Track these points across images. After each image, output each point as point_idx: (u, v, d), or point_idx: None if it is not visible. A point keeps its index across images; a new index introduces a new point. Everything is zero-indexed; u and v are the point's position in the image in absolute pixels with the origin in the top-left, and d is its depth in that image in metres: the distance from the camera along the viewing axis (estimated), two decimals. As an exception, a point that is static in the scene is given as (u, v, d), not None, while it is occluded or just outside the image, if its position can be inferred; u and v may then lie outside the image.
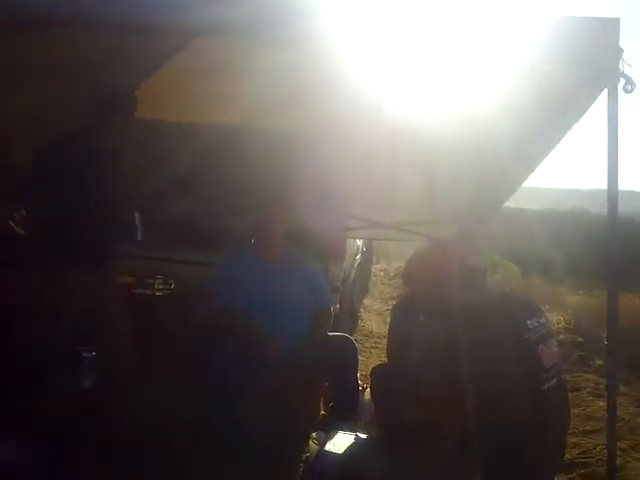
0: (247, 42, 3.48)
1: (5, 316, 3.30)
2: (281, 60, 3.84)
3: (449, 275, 3.82)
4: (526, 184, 4.89)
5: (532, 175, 4.64)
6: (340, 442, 3.67)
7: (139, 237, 4.47)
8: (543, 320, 3.39)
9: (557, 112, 3.79)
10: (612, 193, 3.21)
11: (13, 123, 4.45)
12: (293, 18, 3.03)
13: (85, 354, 3.47)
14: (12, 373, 3.06)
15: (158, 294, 8.51)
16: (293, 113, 4.87)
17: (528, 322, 3.23)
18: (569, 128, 3.95)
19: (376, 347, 8.35)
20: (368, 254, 11.31)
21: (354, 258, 8.98)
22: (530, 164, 4.49)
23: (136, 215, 4.54)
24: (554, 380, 3.18)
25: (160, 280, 8.62)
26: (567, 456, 4.44)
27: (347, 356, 4.80)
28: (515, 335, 3.19)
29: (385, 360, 5.01)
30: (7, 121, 4.39)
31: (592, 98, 3.51)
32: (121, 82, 4.39)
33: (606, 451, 3.58)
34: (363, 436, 3.82)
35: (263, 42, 3.39)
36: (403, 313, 4.52)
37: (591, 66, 3.20)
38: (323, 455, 3.57)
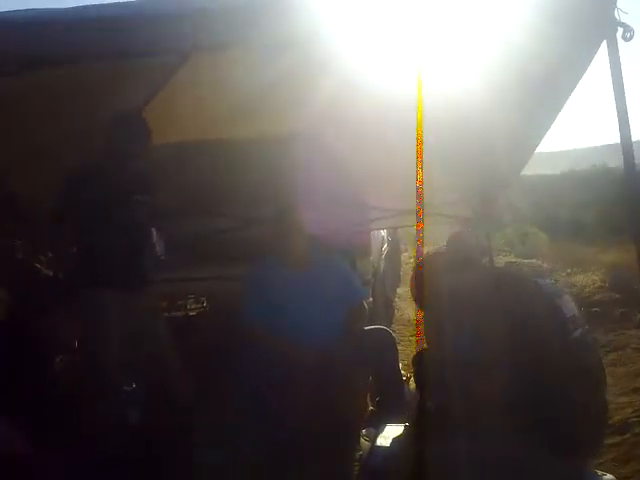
0: (248, 51, 3.46)
1: (50, 354, 3.30)
2: (283, 64, 3.83)
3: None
4: (543, 149, 4.85)
5: (545, 139, 4.60)
6: (391, 436, 3.64)
7: (159, 252, 4.47)
8: (550, 281, 3.45)
9: (560, 72, 3.75)
10: (626, 146, 3.16)
11: (27, 160, 4.47)
12: (289, 20, 3.02)
13: (126, 388, 3.45)
14: (55, 407, 3.05)
15: (191, 314, 8.53)
16: (300, 115, 4.86)
17: (539, 280, 3.26)
18: (574, 87, 3.91)
19: (415, 335, 8.31)
20: (395, 243, 11.27)
21: (381, 249, 8.96)
22: (540, 128, 4.45)
23: (153, 232, 4.53)
24: (579, 330, 3.17)
25: (192, 299, 8.65)
26: (619, 417, 4.39)
27: (386, 348, 4.76)
28: (534, 297, 3.20)
29: (425, 347, 4.98)
30: (20, 159, 4.42)
31: (592, 52, 3.47)
32: (128, 108, 4.40)
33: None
34: (411, 428, 3.79)
35: (263, 48, 3.37)
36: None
37: (586, 19, 3.16)
38: (375, 451, 3.55)
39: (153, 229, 4.66)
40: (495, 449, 2.94)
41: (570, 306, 3.26)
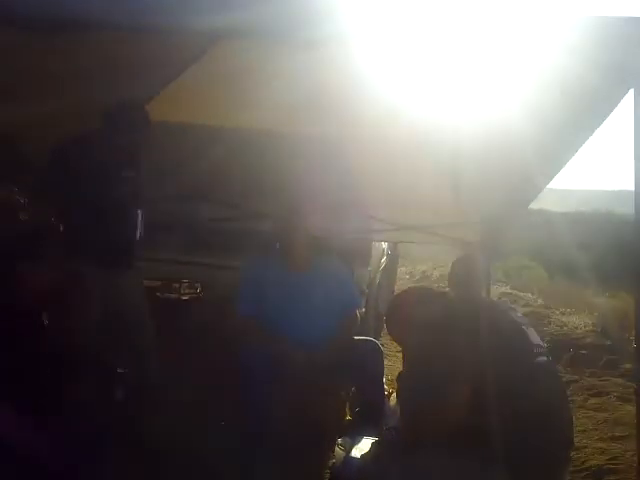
0: (269, 45, 3.46)
1: (30, 314, 3.26)
2: (303, 63, 3.83)
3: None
4: (551, 185, 4.85)
5: (557, 176, 4.61)
6: (365, 448, 3.64)
7: (137, 236, 4.48)
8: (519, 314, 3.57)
9: (581, 113, 3.75)
10: (638, 194, 3.16)
11: (30, 123, 4.47)
12: (316, 19, 3.02)
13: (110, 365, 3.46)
14: (39, 375, 3.03)
15: (184, 298, 8.54)
16: (315, 117, 4.87)
17: (512, 314, 3.34)
18: (594, 129, 3.90)
19: (402, 351, 8.31)
20: (393, 257, 11.26)
21: (379, 261, 8.95)
22: (555, 165, 4.45)
23: (139, 213, 4.54)
24: (544, 357, 3.24)
25: (186, 284, 8.66)
26: (595, 462, 4.40)
27: (373, 360, 4.77)
28: (504, 319, 3.29)
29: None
30: (24, 122, 4.41)
31: (617, 99, 3.47)
32: (147, 85, 4.42)
33: (636, 457, 3.53)
34: (388, 441, 3.79)
35: (285, 44, 3.37)
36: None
37: (616, 66, 3.16)
38: (348, 461, 3.55)
39: (139, 210, 4.64)
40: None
41: (535, 336, 3.36)
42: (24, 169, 5.02)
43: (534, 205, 5.84)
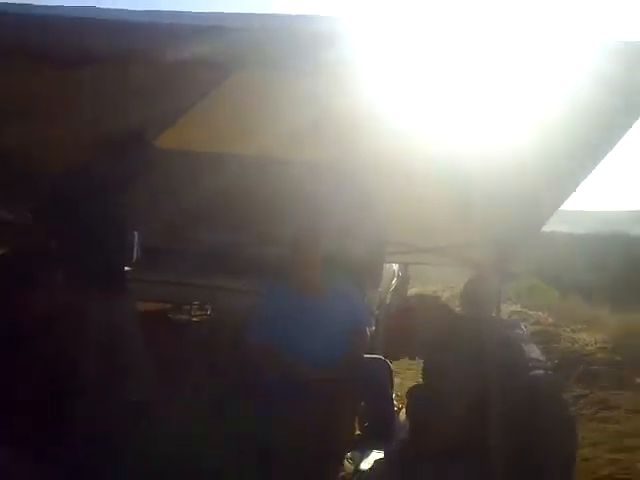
0: (274, 72, 3.52)
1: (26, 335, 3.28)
2: (310, 89, 3.88)
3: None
4: (563, 207, 4.88)
5: (570, 198, 4.63)
6: (375, 462, 3.68)
7: (134, 258, 4.53)
8: (521, 331, 3.58)
9: (596, 135, 3.77)
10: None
11: (34, 149, 4.55)
12: (321, 44, 3.07)
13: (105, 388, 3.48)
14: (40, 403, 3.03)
15: (195, 319, 8.59)
16: (324, 143, 4.92)
17: (515, 331, 3.38)
18: (609, 150, 3.93)
19: (411, 369, 8.35)
20: (404, 279, 11.28)
21: (390, 282, 8.99)
22: (568, 187, 4.47)
23: (135, 235, 4.60)
24: (542, 371, 3.28)
25: (196, 306, 8.71)
26: (606, 472, 4.41)
27: (382, 377, 4.81)
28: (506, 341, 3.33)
29: (420, 381, 5.03)
30: (28, 146, 4.49)
31: (633, 120, 3.51)
32: (162, 113, 4.49)
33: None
34: (398, 457, 3.82)
35: (290, 71, 3.43)
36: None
37: (632, 89, 3.19)
38: (358, 475, 3.58)
39: (135, 232, 4.71)
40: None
41: (536, 351, 3.40)
42: (26, 193, 5.11)
43: (546, 226, 5.87)
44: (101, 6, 3.14)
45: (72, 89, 3.78)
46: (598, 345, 9.79)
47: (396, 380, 5.37)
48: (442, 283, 17.79)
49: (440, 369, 4.19)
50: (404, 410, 4.92)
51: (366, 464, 3.67)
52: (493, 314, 4.78)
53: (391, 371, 4.99)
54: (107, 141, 4.51)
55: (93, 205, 4.41)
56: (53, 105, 4.04)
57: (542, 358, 3.50)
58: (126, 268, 5.13)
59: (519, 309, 13.40)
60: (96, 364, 4.30)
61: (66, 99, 3.96)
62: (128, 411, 4.22)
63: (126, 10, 3.24)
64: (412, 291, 15.34)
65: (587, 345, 9.94)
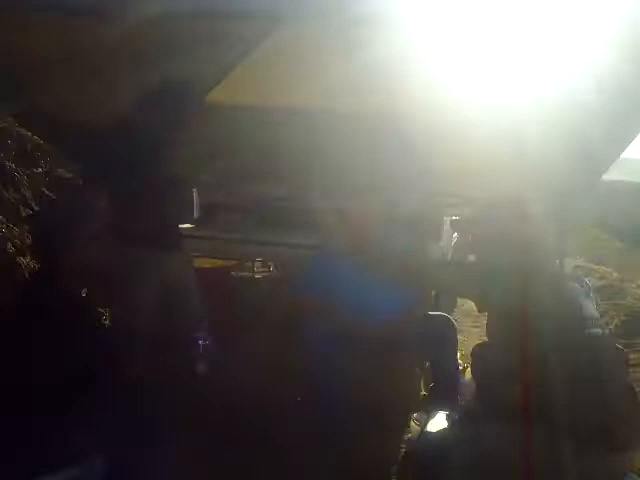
0: (319, 24, 3.46)
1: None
2: (362, 39, 3.81)
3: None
4: (626, 155, 4.77)
5: (631, 145, 4.53)
6: (441, 423, 3.64)
7: (195, 215, 4.51)
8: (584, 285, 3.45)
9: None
10: None
11: (81, 105, 4.54)
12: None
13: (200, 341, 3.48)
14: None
15: (257, 276, 8.63)
16: (375, 93, 4.84)
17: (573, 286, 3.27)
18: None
19: (476, 326, 8.28)
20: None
21: (451, 236, 8.90)
22: (629, 132, 4.37)
23: (194, 192, 4.58)
24: (599, 329, 3.18)
25: (259, 263, 8.75)
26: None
27: (446, 336, 4.76)
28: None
29: (485, 339, 4.96)
30: (75, 103, 4.49)
31: None
32: (211, 69, 4.45)
33: None
34: (464, 416, 3.78)
35: (335, 22, 3.37)
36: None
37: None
38: (424, 436, 3.55)
39: (194, 190, 4.68)
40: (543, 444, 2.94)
41: (592, 309, 3.28)
42: (77, 151, 5.13)
43: (609, 175, 5.73)
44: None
45: (117, 44, 3.76)
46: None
47: (460, 338, 5.29)
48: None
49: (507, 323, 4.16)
50: (469, 369, 4.87)
51: (433, 425, 3.63)
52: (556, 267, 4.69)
53: (455, 329, 4.93)
54: (156, 97, 4.48)
55: (144, 162, 4.40)
56: (102, 61, 4.01)
57: (599, 317, 3.41)
58: (182, 225, 5.12)
59: (582, 263, 13.18)
60: (151, 320, 4.36)
61: (112, 55, 3.93)
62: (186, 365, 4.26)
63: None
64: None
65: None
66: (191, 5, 3.09)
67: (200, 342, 3.13)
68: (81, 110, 4.68)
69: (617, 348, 3.49)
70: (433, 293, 5.11)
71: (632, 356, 6.20)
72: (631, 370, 4.06)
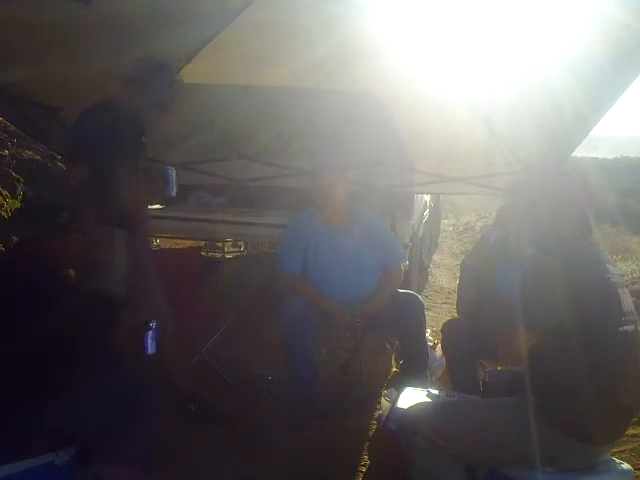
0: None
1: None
2: (334, 16, 3.80)
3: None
4: (592, 133, 4.78)
5: (598, 123, 4.54)
6: (411, 399, 3.65)
7: (173, 193, 4.47)
8: (617, 270, 3.29)
9: (624, 59, 3.69)
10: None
11: (60, 84, 4.50)
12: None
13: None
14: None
15: (228, 257, 8.61)
16: (349, 72, 4.83)
17: (609, 266, 3.13)
18: (636, 75, 3.85)
19: (447, 303, 8.33)
20: (436, 209, 11.18)
21: (422, 214, 8.91)
22: (596, 110, 4.38)
23: (170, 171, 4.54)
24: (632, 326, 3.07)
25: (230, 243, 8.73)
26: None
27: (415, 313, 4.75)
28: (598, 276, 3.07)
29: (456, 315, 4.98)
30: (56, 82, 4.44)
31: None
32: (187, 45, 4.42)
33: None
34: (434, 392, 3.80)
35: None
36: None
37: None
38: (395, 412, 3.56)
39: (172, 168, 4.64)
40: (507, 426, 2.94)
41: (628, 299, 3.14)
42: (57, 130, 5.08)
43: (578, 153, 5.75)
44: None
45: (93, 23, 3.72)
46: (635, 275, 9.65)
47: (429, 314, 5.31)
48: (475, 213, 17.72)
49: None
50: (439, 345, 4.89)
51: (403, 401, 3.64)
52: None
53: (423, 306, 4.90)
54: (130, 75, 4.45)
55: (117, 142, 4.36)
56: (77, 40, 3.97)
57: (633, 309, 3.26)
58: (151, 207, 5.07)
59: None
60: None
61: (87, 33, 3.89)
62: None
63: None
64: (445, 222, 15.27)
65: (624, 275, 9.78)
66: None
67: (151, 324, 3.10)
68: (55, 90, 4.65)
69: None
70: (403, 270, 5.07)
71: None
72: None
